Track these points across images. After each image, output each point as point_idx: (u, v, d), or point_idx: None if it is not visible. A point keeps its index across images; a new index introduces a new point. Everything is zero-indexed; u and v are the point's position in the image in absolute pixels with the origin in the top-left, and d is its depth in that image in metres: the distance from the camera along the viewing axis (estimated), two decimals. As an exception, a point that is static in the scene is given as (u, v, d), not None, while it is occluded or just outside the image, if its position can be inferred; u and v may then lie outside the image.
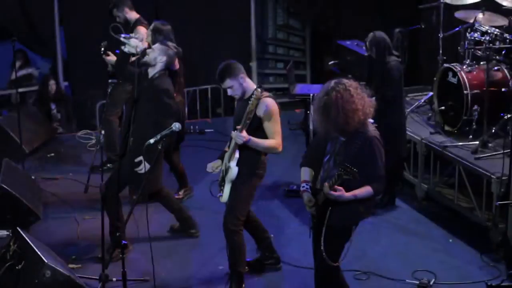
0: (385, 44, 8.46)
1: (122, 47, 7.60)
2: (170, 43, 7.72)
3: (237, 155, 6.63)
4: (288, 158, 9.36)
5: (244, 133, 6.47)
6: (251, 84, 6.74)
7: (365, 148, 5.66)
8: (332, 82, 5.71)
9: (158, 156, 6.56)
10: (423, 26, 10.64)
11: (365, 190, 5.72)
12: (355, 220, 5.91)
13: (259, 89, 6.48)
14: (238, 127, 6.50)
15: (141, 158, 7.24)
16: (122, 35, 7.59)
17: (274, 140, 6.56)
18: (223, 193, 6.79)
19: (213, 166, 6.88)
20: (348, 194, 5.69)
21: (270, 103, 6.56)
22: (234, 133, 6.53)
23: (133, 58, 7.70)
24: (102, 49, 8.96)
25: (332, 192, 5.66)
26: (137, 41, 7.68)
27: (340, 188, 5.67)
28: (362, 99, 5.67)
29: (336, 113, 5.59)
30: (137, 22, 9.46)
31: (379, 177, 5.74)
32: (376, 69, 8.52)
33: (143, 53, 7.45)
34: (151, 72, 7.47)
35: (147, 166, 7.20)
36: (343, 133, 5.74)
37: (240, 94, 6.69)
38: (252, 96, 6.44)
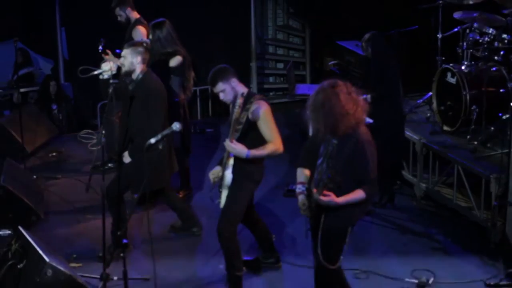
0: (380, 44, 8.51)
1: (101, 77, 7.74)
2: (136, 41, 7.73)
3: (231, 161, 6.65)
4: (287, 157, 9.39)
5: (239, 146, 6.46)
6: (242, 89, 6.67)
7: (356, 152, 5.63)
8: (325, 84, 5.70)
9: (159, 155, 6.60)
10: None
11: (356, 194, 5.69)
12: (350, 222, 5.87)
13: (242, 98, 6.42)
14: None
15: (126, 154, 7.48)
16: (95, 72, 7.78)
17: (272, 143, 6.51)
18: (221, 199, 6.81)
19: (214, 173, 6.88)
20: (339, 200, 5.68)
21: (260, 105, 6.51)
22: (226, 142, 6.53)
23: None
24: (101, 48, 9.01)
25: (322, 198, 5.68)
26: (107, 63, 7.79)
27: (329, 193, 5.66)
28: (354, 103, 5.62)
29: (324, 115, 5.59)
30: (136, 22, 9.52)
31: (371, 180, 5.71)
32: (372, 68, 8.56)
33: (119, 67, 7.56)
34: (135, 75, 7.53)
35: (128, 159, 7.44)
36: (334, 135, 5.75)
37: (232, 99, 6.63)
38: (236, 103, 6.40)
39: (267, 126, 6.52)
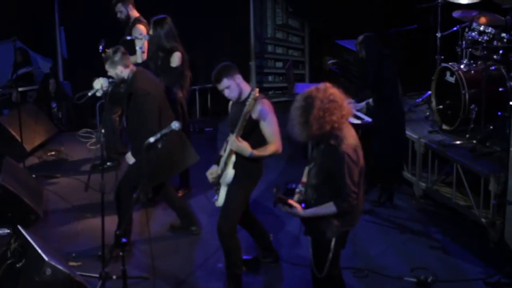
0: (374, 45, 8.53)
1: (98, 94, 7.80)
2: (109, 53, 7.71)
3: (233, 158, 6.64)
4: (287, 156, 9.41)
5: (244, 144, 6.46)
6: (246, 86, 6.70)
7: (335, 164, 5.55)
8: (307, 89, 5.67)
9: (159, 153, 6.61)
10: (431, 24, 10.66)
11: (326, 208, 5.63)
12: (333, 234, 5.74)
13: (257, 89, 6.42)
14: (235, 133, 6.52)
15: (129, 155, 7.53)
16: (89, 94, 7.83)
17: (273, 144, 6.54)
18: (219, 197, 6.80)
19: (212, 172, 6.89)
20: (305, 213, 5.69)
21: (264, 104, 6.53)
22: (231, 138, 6.54)
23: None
24: (101, 47, 9.03)
25: (287, 209, 5.71)
26: (97, 81, 7.84)
27: (295, 205, 5.69)
28: (323, 113, 5.48)
29: (293, 120, 5.58)
30: (136, 21, 9.57)
31: (346, 194, 5.57)
32: (369, 70, 8.57)
33: (111, 80, 7.63)
34: (125, 78, 7.60)
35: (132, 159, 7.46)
36: (304, 139, 5.73)
37: (237, 96, 6.64)
38: (250, 96, 6.37)
39: (270, 126, 6.54)
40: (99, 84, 7.82)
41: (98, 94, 7.85)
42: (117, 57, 7.52)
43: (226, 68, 6.63)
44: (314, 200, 5.73)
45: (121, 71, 7.52)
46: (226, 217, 6.75)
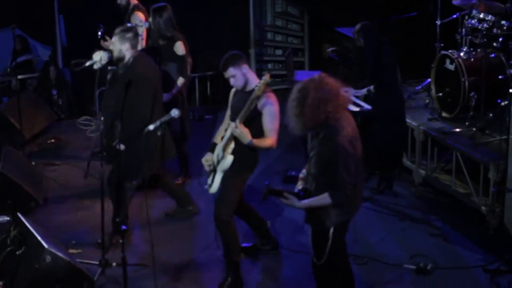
0: (372, 33, 8.52)
1: (95, 67, 7.73)
2: (125, 27, 7.69)
3: (233, 145, 6.65)
4: (287, 144, 9.39)
5: (246, 131, 6.43)
6: (253, 77, 6.70)
7: (331, 156, 5.50)
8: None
9: (156, 141, 6.61)
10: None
11: (321, 199, 5.60)
12: (331, 223, 5.70)
13: (268, 74, 6.36)
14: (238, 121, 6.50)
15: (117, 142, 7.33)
16: (86, 64, 7.81)
17: (269, 139, 6.52)
18: (213, 183, 6.79)
19: (208, 160, 6.89)
20: (301, 204, 5.71)
21: (273, 99, 6.54)
22: (233, 124, 6.51)
23: None
24: (100, 33, 9.03)
25: (282, 200, 5.72)
26: (97, 53, 7.81)
27: (290, 196, 5.71)
28: (318, 103, 5.43)
29: (289, 114, 5.57)
30: (134, 8, 9.59)
31: (341, 186, 5.51)
32: (367, 59, 8.55)
33: (111, 54, 7.58)
34: (125, 60, 7.54)
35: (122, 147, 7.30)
36: (308, 132, 5.74)
37: (242, 85, 6.65)
38: (261, 81, 6.30)
39: (271, 120, 6.53)
40: (99, 57, 7.78)
41: (95, 66, 7.80)
42: (130, 35, 7.48)
43: (233, 57, 6.65)
44: (314, 188, 5.71)
45: (126, 49, 7.46)
46: (223, 204, 6.76)
